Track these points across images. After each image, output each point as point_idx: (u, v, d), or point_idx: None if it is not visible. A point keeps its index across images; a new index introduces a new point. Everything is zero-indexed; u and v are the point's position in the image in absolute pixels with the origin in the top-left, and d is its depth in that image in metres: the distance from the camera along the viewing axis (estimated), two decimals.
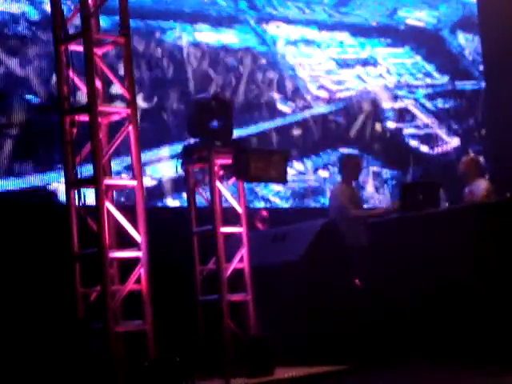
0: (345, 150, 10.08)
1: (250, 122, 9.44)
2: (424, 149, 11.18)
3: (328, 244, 7.16)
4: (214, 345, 6.51)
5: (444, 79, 11.55)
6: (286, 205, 9.49)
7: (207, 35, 9.33)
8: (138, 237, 5.82)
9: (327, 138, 10.13)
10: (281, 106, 9.81)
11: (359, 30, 10.88)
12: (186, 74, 8.99)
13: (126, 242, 5.87)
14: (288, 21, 10.23)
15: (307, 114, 10.04)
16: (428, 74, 11.44)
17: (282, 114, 9.81)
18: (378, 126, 10.72)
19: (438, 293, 6.39)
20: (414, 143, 11.10)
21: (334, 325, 6.76)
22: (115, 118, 6.04)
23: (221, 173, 6.75)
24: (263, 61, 9.82)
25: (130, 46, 6.02)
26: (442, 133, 11.35)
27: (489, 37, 11.74)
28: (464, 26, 11.96)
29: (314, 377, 6.29)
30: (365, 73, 10.76)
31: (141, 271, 5.80)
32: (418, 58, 11.38)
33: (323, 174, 9.92)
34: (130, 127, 5.88)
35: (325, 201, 9.53)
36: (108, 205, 5.75)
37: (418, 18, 11.53)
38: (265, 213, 8.70)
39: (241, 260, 6.72)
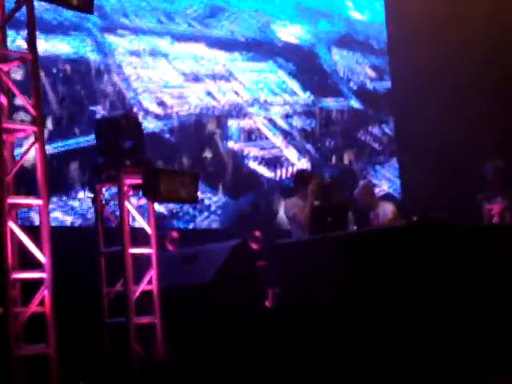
0: None
1: (68, 136, 8.66)
2: (264, 171, 10.18)
3: (239, 266, 7.11)
4: (121, 368, 6.37)
5: (307, 96, 10.78)
6: None
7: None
8: (42, 258, 5.67)
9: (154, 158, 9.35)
10: None
11: (220, 43, 10.09)
12: None
13: (30, 262, 5.72)
14: (139, 31, 9.48)
15: None
16: (290, 91, 10.63)
17: None
18: (216, 146, 9.79)
19: (341, 316, 6.38)
20: (253, 165, 10.08)
21: (242, 349, 6.71)
22: (20, 135, 5.90)
23: (130, 192, 6.66)
24: (94, 70, 9.01)
25: (37, 62, 5.88)
26: (290, 154, 10.49)
27: (396, 57, 11.81)
28: (342, 42, 11.44)
29: None
30: (215, 88, 9.91)
31: (45, 293, 5.65)
32: (282, 74, 10.62)
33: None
34: (36, 145, 5.74)
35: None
36: (11, 224, 5.59)
37: (293, 33, 10.88)
38: (175, 234, 8.62)
39: (150, 282, 6.61)
